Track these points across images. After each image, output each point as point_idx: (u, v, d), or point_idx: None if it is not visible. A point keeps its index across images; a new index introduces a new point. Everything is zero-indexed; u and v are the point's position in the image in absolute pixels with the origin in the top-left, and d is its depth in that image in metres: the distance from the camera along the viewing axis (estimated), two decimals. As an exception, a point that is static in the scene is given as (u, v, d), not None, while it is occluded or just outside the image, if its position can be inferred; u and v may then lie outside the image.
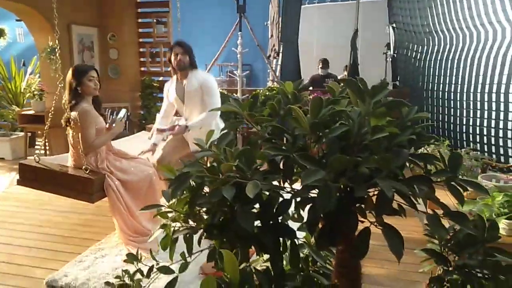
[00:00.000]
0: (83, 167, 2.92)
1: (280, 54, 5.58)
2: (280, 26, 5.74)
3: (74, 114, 2.78)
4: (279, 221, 0.89)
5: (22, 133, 5.66)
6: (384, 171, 0.66)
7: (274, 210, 0.86)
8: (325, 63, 6.87)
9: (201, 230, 0.85)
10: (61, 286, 2.44)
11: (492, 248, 0.83)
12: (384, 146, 0.71)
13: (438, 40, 5.15)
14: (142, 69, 6.61)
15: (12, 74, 6.25)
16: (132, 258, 1.03)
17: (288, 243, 0.94)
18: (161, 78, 6.57)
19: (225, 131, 0.83)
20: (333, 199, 0.64)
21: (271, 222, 0.85)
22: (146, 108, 6.42)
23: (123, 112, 3.22)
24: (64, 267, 2.63)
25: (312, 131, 0.71)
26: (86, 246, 2.96)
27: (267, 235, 0.81)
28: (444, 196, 2.98)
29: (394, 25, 5.84)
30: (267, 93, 5.78)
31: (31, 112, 5.52)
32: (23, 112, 5.55)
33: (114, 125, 3.06)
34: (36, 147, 5.89)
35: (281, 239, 0.91)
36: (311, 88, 6.13)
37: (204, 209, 0.84)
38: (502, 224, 2.43)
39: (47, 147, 5.32)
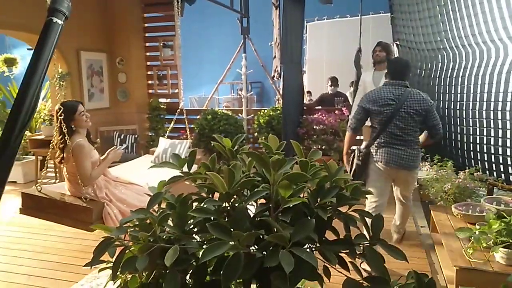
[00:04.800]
0: (82, 196, 2.98)
1: (282, 76, 5.62)
2: (280, 47, 5.81)
3: (67, 148, 2.85)
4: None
5: (33, 157, 5.82)
6: (298, 239, 0.66)
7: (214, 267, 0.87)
8: (334, 81, 6.86)
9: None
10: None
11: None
12: (303, 206, 0.71)
13: (441, 57, 5.10)
14: (150, 91, 6.75)
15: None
16: None
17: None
18: (168, 100, 6.69)
19: (156, 192, 0.84)
20: (241, 268, 0.64)
21: (206, 279, 0.85)
22: (154, 130, 6.53)
23: (122, 147, 3.37)
24: (59, 297, 2.66)
25: (226, 199, 0.72)
26: (83, 274, 3.00)
27: (200, 295, 0.81)
28: (446, 220, 2.86)
29: (398, 42, 5.81)
30: (271, 113, 5.80)
31: (42, 136, 5.68)
32: (33, 137, 5.72)
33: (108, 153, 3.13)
34: (46, 170, 6.02)
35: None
36: (319, 107, 6.12)
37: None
38: (500, 252, 2.35)
39: (57, 171, 5.46)
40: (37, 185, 3.15)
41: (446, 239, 2.80)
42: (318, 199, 0.74)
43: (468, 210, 3.14)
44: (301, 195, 0.76)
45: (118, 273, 0.99)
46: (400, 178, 3.20)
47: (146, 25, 6.62)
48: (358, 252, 0.75)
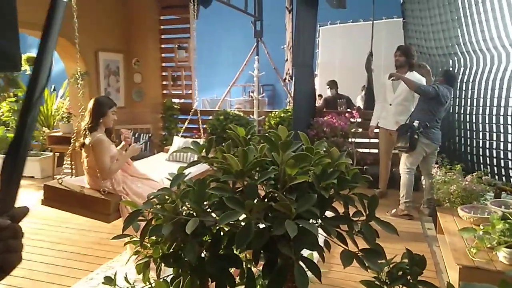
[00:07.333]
0: (101, 189, 3.12)
1: (294, 78, 5.72)
2: (292, 50, 5.91)
3: (88, 140, 2.99)
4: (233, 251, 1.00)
5: (50, 153, 6.02)
6: (302, 211, 0.76)
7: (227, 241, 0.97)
8: (331, 84, 6.96)
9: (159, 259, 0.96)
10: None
11: (421, 282, 0.89)
12: (308, 188, 0.81)
13: (452, 62, 5.14)
14: (164, 92, 6.91)
15: (44, 98, 6.69)
16: (108, 281, 1.15)
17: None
18: (182, 100, 6.85)
19: (179, 173, 0.95)
20: (251, 235, 0.74)
21: (220, 252, 0.96)
22: (167, 129, 6.68)
23: (139, 142, 3.48)
24: (75, 284, 2.80)
25: (241, 177, 0.82)
26: (98, 264, 3.13)
27: (214, 264, 0.92)
28: (451, 221, 2.95)
29: (410, 47, 5.87)
30: (282, 115, 5.90)
31: (60, 133, 5.87)
32: (52, 134, 5.92)
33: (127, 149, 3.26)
34: (64, 166, 6.22)
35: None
36: (325, 109, 6.22)
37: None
38: (502, 252, 2.40)
39: (73, 167, 5.64)
40: (58, 177, 3.30)
41: (451, 239, 2.85)
42: (321, 182, 0.84)
43: (476, 212, 3.18)
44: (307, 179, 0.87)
45: (140, 249, 1.10)
46: (431, 151, 4.23)
47: (162, 27, 6.79)
48: (356, 230, 0.84)
